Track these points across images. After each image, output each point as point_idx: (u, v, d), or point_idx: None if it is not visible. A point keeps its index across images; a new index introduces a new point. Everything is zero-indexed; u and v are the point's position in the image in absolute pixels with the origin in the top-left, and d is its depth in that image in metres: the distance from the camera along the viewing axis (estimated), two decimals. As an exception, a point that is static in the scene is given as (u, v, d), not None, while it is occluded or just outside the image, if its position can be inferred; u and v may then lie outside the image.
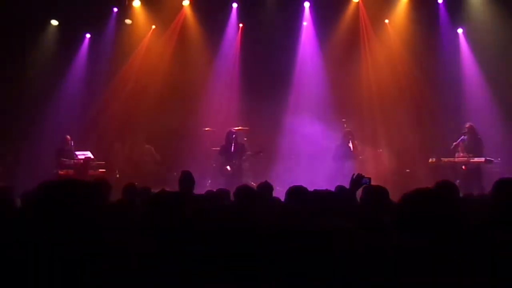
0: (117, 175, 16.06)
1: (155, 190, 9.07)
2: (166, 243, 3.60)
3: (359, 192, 6.63)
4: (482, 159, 14.64)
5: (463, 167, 14.96)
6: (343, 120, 17.26)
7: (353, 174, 6.57)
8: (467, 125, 15.06)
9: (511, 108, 16.34)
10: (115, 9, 18.66)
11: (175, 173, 13.81)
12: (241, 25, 19.26)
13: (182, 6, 18.89)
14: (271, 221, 4.45)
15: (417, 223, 3.23)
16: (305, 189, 6.71)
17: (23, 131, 17.26)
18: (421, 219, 3.23)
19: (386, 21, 18.54)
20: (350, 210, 5.82)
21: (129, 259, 3.63)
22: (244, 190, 7.04)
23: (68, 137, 16.09)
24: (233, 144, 15.87)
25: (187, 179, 8.56)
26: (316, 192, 6.86)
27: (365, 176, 6.62)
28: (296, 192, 6.60)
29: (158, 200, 4.65)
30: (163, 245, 3.64)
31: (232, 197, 8.30)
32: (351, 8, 18.63)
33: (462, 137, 15.05)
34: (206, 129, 17.56)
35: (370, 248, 2.88)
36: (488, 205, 3.98)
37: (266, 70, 18.30)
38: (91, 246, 2.18)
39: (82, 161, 16.01)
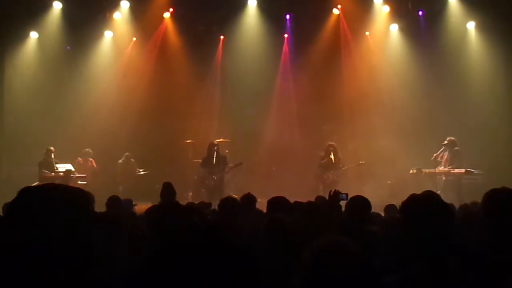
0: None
1: (137, 202, 9.11)
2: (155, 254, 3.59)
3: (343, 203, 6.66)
4: (463, 170, 14.76)
5: (443, 177, 15.09)
6: (324, 128, 17.35)
7: (330, 191, 6.58)
8: (448, 138, 15.17)
9: (491, 120, 16.50)
10: (96, 21, 18.54)
11: (156, 186, 13.77)
12: (222, 37, 19.30)
13: (163, 18, 18.87)
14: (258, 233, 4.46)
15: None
16: (286, 200, 6.71)
17: (4, 144, 17.14)
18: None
19: (367, 33, 18.68)
20: (330, 222, 5.84)
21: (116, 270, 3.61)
22: (228, 202, 7.03)
23: (52, 148, 16.01)
24: (214, 156, 15.82)
25: (168, 191, 8.57)
26: (298, 203, 6.87)
27: (342, 192, 6.63)
28: (277, 203, 6.59)
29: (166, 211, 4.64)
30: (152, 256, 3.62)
31: (213, 209, 8.30)
32: (332, 20, 18.73)
33: (442, 149, 15.20)
34: (188, 141, 17.55)
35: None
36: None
37: (247, 81, 18.30)
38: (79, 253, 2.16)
39: (62, 174, 15.93)
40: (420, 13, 18.02)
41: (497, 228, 3.70)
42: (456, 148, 15.13)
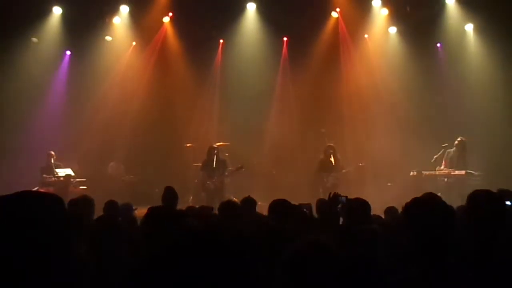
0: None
1: (137, 207, 9.08)
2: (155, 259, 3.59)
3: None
4: (463, 172, 14.75)
5: (444, 179, 15.08)
6: (323, 130, 17.30)
7: (330, 193, 6.57)
8: (459, 139, 15.19)
9: (490, 121, 16.48)
10: (95, 26, 18.55)
11: (156, 190, 13.75)
12: (221, 41, 19.31)
13: (162, 22, 18.89)
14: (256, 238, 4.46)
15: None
16: (288, 202, 6.68)
17: (4, 148, 17.11)
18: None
19: (366, 36, 18.67)
20: (330, 225, 5.84)
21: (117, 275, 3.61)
22: (228, 205, 7.02)
23: (52, 153, 16.04)
24: (214, 160, 15.82)
25: (170, 195, 8.55)
26: (298, 206, 6.86)
27: (341, 195, 6.61)
28: (279, 206, 6.57)
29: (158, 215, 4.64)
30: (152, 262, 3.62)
31: (215, 213, 8.27)
32: (330, 23, 18.73)
33: (445, 150, 15.21)
34: (188, 145, 17.54)
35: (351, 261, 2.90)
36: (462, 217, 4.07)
37: (247, 85, 18.30)
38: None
39: (62, 178, 15.93)
40: (419, 15, 18.00)
41: (477, 228, 3.75)
42: (465, 151, 15.16)
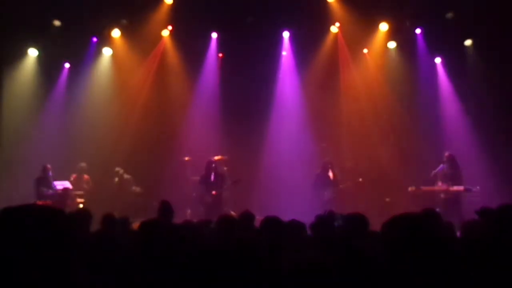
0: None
1: (134, 220, 9.05)
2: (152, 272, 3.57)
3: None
4: (462, 188, 14.73)
5: (442, 195, 15.05)
6: (323, 145, 17.31)
7: (325, 211, 6.55)
8: (447, 154, 15.20)
9: (489, 136, 16.47)
10: (95, 39, 18.59)
11: (154, 203, 13.71)
12: (220, 54, 19.32)
13: (161, 36, 18.89)
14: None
15: (403, 249, 3.25)
16: (279, 220, 6.63)
17: (2, 162, 17.09)
18: (406, 244, 3.24)
19: (365, 50, 18.66)
20: (326, 240, 5.81)
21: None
22: (226, 220, 6.99)
23: (48, 166, 15.97)
24: (213, 173, 15.79)
25: (165, 209, 8.52)
26: (291, 223, 6.81)
27: (337, 213, 6.59)
28: (270, 224, 6.54)
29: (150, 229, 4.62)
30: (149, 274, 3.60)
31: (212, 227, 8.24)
32: (330, 38, 18.73)
33: (441, 165, 15.18)
34: (186, 158, 17.53)
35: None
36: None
37: (246, 99, 18.29)
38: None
39: (60, 191, 15.88)
40: (418, 30, 18.04)
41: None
42: (457, 164, 15.15)
